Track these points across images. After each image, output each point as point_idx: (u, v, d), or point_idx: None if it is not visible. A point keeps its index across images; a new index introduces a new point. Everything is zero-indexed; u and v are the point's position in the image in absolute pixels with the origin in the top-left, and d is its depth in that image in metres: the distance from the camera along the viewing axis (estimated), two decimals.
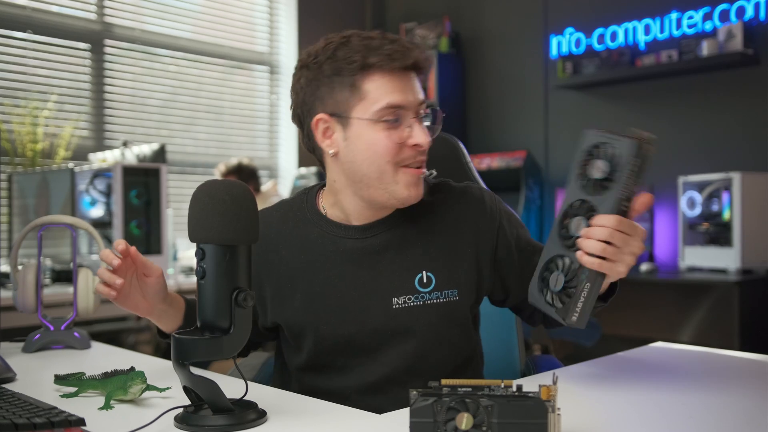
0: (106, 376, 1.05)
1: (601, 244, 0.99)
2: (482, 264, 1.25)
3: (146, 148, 3.23)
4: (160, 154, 3.14)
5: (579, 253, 1.02)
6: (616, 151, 1.01)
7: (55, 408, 0.90)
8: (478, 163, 4.32)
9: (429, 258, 1.22)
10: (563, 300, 1.05)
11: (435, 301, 1.20)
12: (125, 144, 3.40)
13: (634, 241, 1.00)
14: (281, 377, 1.34)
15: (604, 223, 0.99)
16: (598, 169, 1.02)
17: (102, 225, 2.74)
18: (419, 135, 1.14)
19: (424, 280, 1.20)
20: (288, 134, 4.92)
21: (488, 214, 1.27)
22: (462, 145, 1.57)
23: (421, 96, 1.16)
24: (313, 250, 1.23)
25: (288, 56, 4.92)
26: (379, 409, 1.01)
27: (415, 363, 1.20)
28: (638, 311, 3.74)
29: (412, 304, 1.20)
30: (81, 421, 0.86)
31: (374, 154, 1.14)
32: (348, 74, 1.14)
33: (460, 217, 1.26)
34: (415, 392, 0.77)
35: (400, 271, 1.21)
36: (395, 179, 1.15)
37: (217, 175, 3.94)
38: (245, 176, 3.93)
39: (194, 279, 1.17)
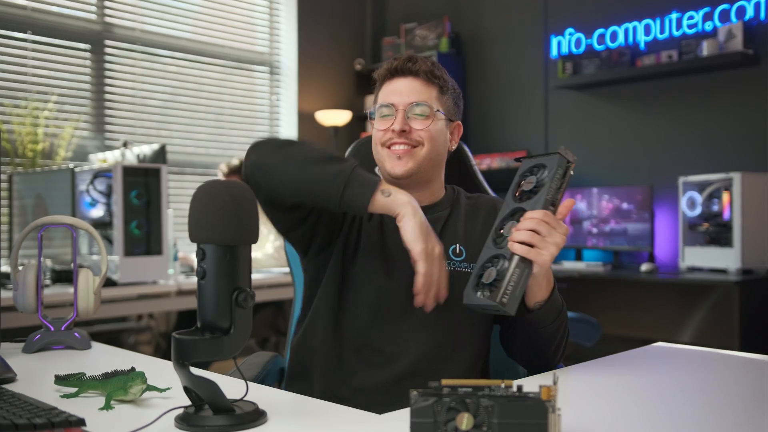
0: (107, 376, 1.05)
1: (528, 232, 1.15)
2: None
3: (146, 149, 3.23)
4: (160, 155, 3.14)
5: (509, 243, 1.16)
6: (545, 164, 1.19)
7: (56, 408, 0.90)
8: (478, 163, 4.32)
9: (463, 235, 1.42)
10: (493, 288, 1.15)
11: (464, 270, 1.37)
12: (125, 144, 3.40)
13: (557, 233, 1.16)
14: (299, 354, 1.41)
15: (532, 215, 1.16)
16: (529, 183, 1.21)
17: (102, 225, 2.73)
18: (395, 123, 1.38)
19: (457, 251, 1.39)
20: (288, 135, 4.92)
21: None
22: (467, 149, 1.68)
23: (413, 98, 1.39)
24: (378, 222, 1.42)
25: (288, 56, 4.91)
26: (412, 365, 1.29)
27: (441, 324, 1.34)
28: (638, 311, 3.74)
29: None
30: (81, 422, 0.86)
31: (374, 140, 1.43)
32: (376, 90, 1.47)
33: (491, 217, 1.41)
34: (415, 392, 0.77)
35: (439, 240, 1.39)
36: (383, 158, 1.41)
37: (219, 174, 3.94)
38: None
39: (194, 279, 1.18)
